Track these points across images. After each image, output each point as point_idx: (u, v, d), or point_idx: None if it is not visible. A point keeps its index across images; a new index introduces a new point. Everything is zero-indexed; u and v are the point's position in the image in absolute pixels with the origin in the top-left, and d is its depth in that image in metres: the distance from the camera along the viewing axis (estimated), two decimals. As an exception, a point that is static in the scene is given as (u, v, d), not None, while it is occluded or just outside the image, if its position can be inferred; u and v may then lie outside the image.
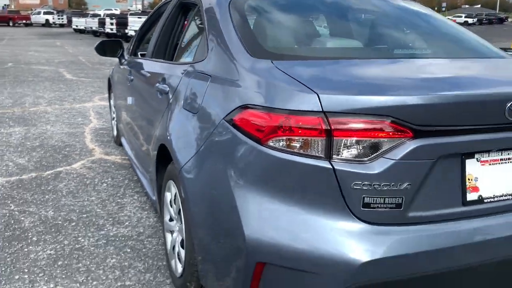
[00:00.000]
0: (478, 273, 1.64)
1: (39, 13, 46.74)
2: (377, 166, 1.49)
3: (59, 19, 45.13)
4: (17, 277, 2.45)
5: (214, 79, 1.99)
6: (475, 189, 1.64)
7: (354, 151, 1.50)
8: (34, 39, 25.15)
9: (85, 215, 3.20)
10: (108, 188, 3.71)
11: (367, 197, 1.50)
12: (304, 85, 1.55)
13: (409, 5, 2.69)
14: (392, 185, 1.50)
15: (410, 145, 1.50)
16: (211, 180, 1.80)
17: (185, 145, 2.04)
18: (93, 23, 30.46)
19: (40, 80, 9.53)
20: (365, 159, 1.50)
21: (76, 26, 35.39)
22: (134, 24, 22.67)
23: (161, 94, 2.55)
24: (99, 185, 3.77)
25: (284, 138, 1.53)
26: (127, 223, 3.11)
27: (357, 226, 1.51)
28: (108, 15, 29.74)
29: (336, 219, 1.52)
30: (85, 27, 32.85)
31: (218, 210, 1.74)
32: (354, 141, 1.49)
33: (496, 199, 1.68)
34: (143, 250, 2.76)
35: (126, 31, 23.93)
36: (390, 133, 1.49)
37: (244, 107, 1.66)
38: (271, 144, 1.55)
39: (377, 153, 1.50)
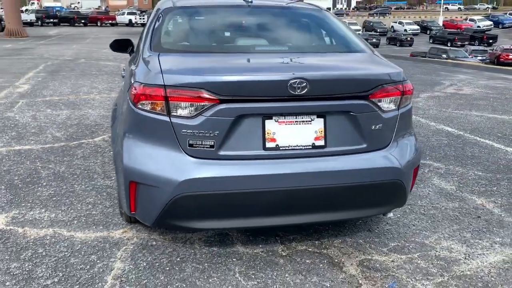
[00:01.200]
0: (272, 195, 2.42)
1: (123, 13, 50.67)
2: (197, 120, 2.32)
3: (140, 18, 48.56)
4: (23, 204, 3.55)
5: (131, 65, 2.95)
6: (273, 140, 2.42)
7: (182, 110, 2.33)
8: (115, 38, 27.61)
9: (85, 171, 4.27)
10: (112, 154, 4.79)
11: (191, 140, 2.34)
12: (160, 68, 2.40)
13: (295, 9, 3.42)
14: (206, 133, 2.32)
15: (216, 108, 2.32)
16: (115, 134, 2.78)
17: (113, 111, 3.03)
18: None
19: (101, 74, 11.06)
20: (190, 115, 2.32)
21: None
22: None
23: (123, 77, 3.56)
24: (106, 152, 4.85)
25: (145, 102, 2.40)
26: (113, 178, 4.12)
27: (185, 158, 2.36)
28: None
29: (173, 154, 2.37)
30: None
31: (117, 154, 2.67)
32: (182, 104, 2.32)
33: (288, 148, 2.44)
34: (115, 194, 3.75)
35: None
36: (204, 100, 2.30)
37: (134, 82, 2.54)
38: (139, 106, 2.42)
39: (197, 112, 2.32)
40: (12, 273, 2.61)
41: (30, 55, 15.81)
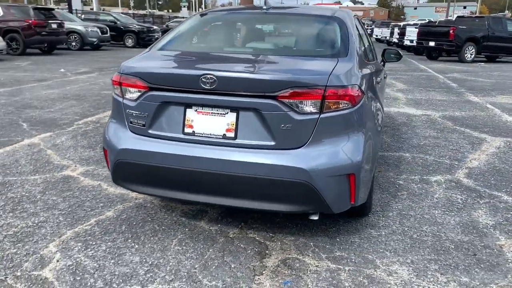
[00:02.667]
0: (186, 173, 2.79)
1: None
2: (135, 103, 2.90)
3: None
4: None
5: None
6: (191, 126, 2.79)
7: (128, 94, 2.93)
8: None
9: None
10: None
11: (131, 118, 2.94)
12: (133, 61, 3.07)
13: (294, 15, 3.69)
14: (140, 114, 2.88)
15: (146, 94, 2.85)
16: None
17: None
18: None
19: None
20: (132, 98, 2.92)
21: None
22: (410, 34, 23.56)
23: None
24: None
25: (114, 86, 3.08)
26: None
27: (126, 132, 2.97)
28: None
29: (122, 129, 3.02)
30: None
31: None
32: (128, 89, 2.93)
33: (202, 135, 2.79)
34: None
35: (403, 40, 25.01)
36: (139, 86, 2.87)
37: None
38: (115, 91, 3.10)
39: (136, 96, 2.90)
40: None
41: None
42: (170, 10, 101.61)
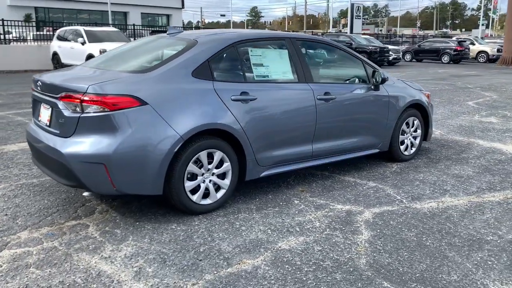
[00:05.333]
0: (37, 150, 3.72)
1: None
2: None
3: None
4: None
5: None
6: (40, 116, 3.71)
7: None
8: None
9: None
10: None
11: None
12: None
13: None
14: (32, 107, 3.65)
15: (32, 93, 3.41)
16: None
17: None
18: None
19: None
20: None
21: None
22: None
23: None
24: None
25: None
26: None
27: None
28: None
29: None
30: None
31: None
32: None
33: (41, 122, 3.69)
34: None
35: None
36: (32, 89, 3.58)
37: None
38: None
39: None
40: None
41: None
42: (463, 29, 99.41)
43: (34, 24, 27.64)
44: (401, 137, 5.18)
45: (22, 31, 22.63)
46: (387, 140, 5.01)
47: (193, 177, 3.53)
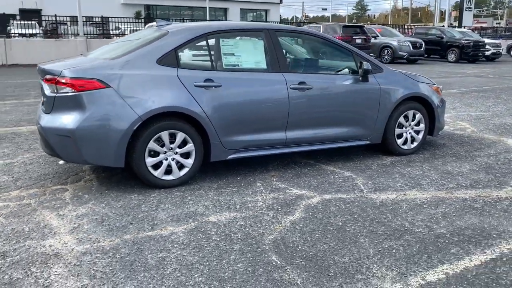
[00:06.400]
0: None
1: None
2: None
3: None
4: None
5: None
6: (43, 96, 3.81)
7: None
8: None
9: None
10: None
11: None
12: None
13: None
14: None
15: None
16: None
17: None
18: None
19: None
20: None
21: None
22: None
23: None
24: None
25: None
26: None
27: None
28: None
29: None
30: None
31: None
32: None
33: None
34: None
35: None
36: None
37: None
38: None
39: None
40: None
41: None
42: None
43: (142, 20, 30.33)
44: (398, 130, 5.09)
45: (125, 28, 25.16)
46: (379, 133, 4.97)
47: (155, 154, 3.98)
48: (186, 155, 4.10)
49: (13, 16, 25.39)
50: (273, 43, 4.46)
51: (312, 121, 4.59)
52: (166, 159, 4.01)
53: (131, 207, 3.63)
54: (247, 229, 3.25)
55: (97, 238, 3.09)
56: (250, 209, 3.61)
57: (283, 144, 4.50)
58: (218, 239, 3.10)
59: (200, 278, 2.61)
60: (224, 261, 2.80)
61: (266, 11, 49.21)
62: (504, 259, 2.87)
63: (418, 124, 5.23)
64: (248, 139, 4.31)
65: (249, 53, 4.46)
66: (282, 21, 48.51)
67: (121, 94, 3.79)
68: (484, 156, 5.24)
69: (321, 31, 19.08)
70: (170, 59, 4.04)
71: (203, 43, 4.26)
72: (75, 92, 3.74)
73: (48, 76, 3.89)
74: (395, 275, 2.67)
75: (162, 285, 2.54)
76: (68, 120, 3.76)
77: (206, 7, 35.80)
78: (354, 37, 18.38)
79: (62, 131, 3.76)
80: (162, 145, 3.97)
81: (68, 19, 21.72)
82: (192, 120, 4.04)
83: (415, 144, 5.26)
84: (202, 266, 2.74)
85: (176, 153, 4.04)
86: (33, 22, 22.84)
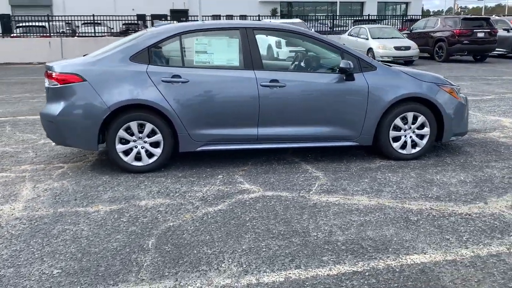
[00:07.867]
0: None
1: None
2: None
3: None
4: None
5: None
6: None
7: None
8: None
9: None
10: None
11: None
12: None
13: None
14: None
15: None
16: None
17: None
18: None
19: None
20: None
21: None
22: None
23: None
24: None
25: None
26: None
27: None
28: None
29: None
30: None
31: None
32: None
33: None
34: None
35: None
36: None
37: None
38: None
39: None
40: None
41: None
42: None
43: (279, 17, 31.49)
44: (393, 133, 4.74)
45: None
46: (368, 134, 4.69)
47: (126, 142, 4.45)
48: (156, 144, 4.50)
49: (164, 17, 28.59)
50: (249, 41, 4.57)
51: (286, 119, 4.59)
52: (136, 147, 4.46)
53: (92, 186, 4.17)
54: (158, 215, 3.52)
55: (39, 208, 3.69)
56: (183, 198, 3.86)
57: (255, 140, 4.60)
58: (125, 220, 3.44)
59: (73, 249, 3.00)
60: (106, 239, 3.13)
61: (406, 3, 46.64)
62: (367, 274, 2.66)
63: (421, 127, 4.80)
64: (216, 133, 4.53)
65: (222, 51, 4.65)
66: (424, 14, 45.48)
67: (94, 87, 4.34)
68: (498, 167, 4.58)
69: (438, 24, 17.68)
70: (143, 57, 4.47)
71: (177, 42, 4.59)
72: (59, 84, 4.41)
73: (46, 71, 4.62)
74: (235, 272, 2.71)
75: (42, 249, 2.99)
76: (53, 108, 4.45)
77: (342, 1, 35.45)
78: (475, 30, 16.58)
79: (49, 117, 4.47)
80: (132, 134, 4.44)
81: (207, 18, 23.40)
82: (160, 113, 4.42)
83: (418, 149, 4.83)
84: (85, 240, 3.12)
85: (145, 142, 4.46)
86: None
